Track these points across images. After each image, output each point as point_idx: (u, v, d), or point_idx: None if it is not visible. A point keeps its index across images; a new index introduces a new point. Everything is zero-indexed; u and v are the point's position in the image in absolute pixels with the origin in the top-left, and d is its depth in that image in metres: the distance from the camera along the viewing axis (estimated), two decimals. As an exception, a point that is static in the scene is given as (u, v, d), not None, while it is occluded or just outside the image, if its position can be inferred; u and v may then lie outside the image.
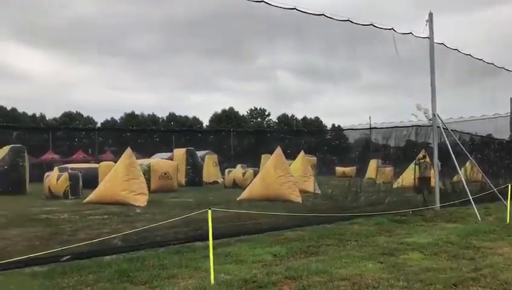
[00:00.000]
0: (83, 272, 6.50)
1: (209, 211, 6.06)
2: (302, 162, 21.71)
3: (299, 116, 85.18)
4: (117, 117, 79.16)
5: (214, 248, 7.90)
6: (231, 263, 6.98)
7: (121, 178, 16.38)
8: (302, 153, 22.35)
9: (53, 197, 19.48)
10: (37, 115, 73.77)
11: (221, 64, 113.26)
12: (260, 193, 16.93)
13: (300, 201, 16.44)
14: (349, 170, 37.54)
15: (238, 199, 17.11)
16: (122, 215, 13.01)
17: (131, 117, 78.14)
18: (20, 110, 72.91)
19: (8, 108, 71.53)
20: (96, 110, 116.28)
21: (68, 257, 7.44)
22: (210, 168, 32.99)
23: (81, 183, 19.83)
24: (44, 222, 11.77)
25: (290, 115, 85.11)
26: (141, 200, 16.00)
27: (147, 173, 22.50)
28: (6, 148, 23.52)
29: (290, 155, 24.08)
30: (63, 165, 23.99)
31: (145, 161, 23.90)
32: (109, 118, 78.31)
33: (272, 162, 17.60)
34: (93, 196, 16.84)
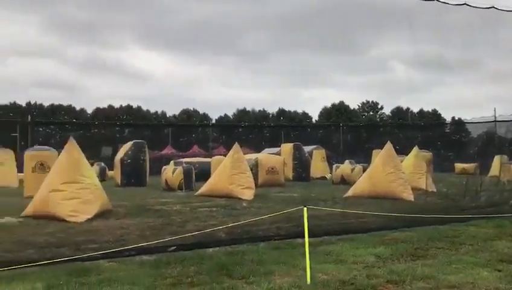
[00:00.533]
0: (185, 263, 6.74)
1: (304, 209, 5.91)
2: (416, 158, 20.52)
3: (415, 109, 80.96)
4: (230, 113, 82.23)
5: (314, 246, 7.84)
6: (330, 263, 6.76)
7: (229, 172, 16.88)
8: (416, 148, 21.15)
9: (169, 189, 20.77)
10: (158, 112, 79.47)
11: (331, 58, 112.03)
12: (368, 190, 16.32)
13: (412, 199, 15.55)
14: (470, 166, 34.78)
15: (344, 195, 16.69)
16: (228, 208, 13.38)
17: (243, 113, 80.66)
18: (144, 108, 78.90)
19: (134, 106, 78.06)
20: (211, 107, 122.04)
21: (174, 247, 7.79)
22: (318, 163, 32.76)
23: (194, 176, 20.84)
24: (158, 213, 12.53)
25: (405, 108, 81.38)
26: (248, 194, 16.34)
27: (255, 167, 22.97)
28: (129, 144, 25.61)
29: (403, 150, 22.93)
30: (178, 160, 25.44)
31: (252, 156, 24.42)
32: (223, 115, 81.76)
33: (381, 157, 16.87)
34: (203, 188, 17.61)
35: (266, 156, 25.17)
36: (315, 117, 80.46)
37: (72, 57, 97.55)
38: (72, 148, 12.14)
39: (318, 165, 32.75)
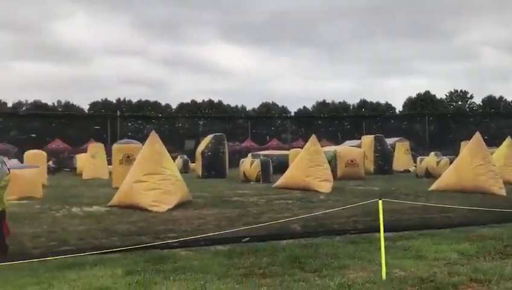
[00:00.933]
0: (258, 254, 6.73)
1: (380, 202, 5.63)
2: (508, 149, 18.99)
3: (510, 98, 75.12)
4: (309, 106, 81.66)
5: (392, 241, 7.50)
6: (409, 258, 6.41)
7: (306, 164, 16.71)
8: (508, 138, 19.57)
9: (247, 181, 21.05)
10: (238, 106, 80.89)
11: (415, 46, 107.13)
12: (454, 184, 15.36)
13: (504, 194, 14.41)
14: None
15: (429, 189, 15.87)
16: (305, 201, 13.24)
17: (322, 105, 79.75)
18: (225, 102, 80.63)
19: (216, 101, 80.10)
20: (290, 100, 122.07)
21: (248, 238, 7.84)
22: (401, 155, 31.50)
23: (271, 169, 20.92)
24: (235, 204, 12.71)
25: (497, 97, 75.84)
26: (325, 187, 16.07)
27: (333, 160, 22.57)
28: (209, 137, 26.28)
29: (494, 141, 21.40)
30: (256, 152, 25.68)
31: (331, 148, 24.01)
32: (302, 107, 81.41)
33: (469, 149, 15.79)
34: (280, 181, 17.60)
35: (345, 149, 24.63)
36: (399, 108, 77.54)
37: (157, 54, 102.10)
38: (154, 141, 12.65)
39: (401, 158, 31.48)
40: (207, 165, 25.25)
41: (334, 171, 22.50)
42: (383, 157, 27.73)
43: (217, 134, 26.99)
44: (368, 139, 28.56)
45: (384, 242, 6.66)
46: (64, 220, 10.28)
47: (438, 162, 22.93)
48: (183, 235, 8.23)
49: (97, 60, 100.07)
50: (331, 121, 76.56)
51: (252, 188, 17.66)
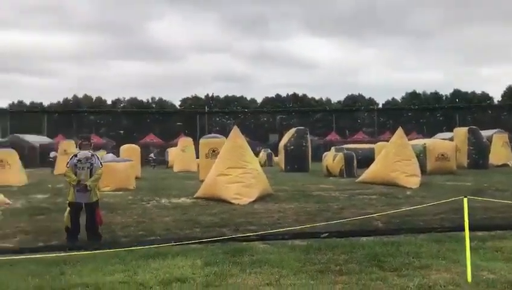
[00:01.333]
0: (336, 250, 6.62)
1: (465, 200, 5.28)
2: None
3: None
4: (398, 97, 78.52)
5: (482, 241, 7.02)
6: (500, 261, 5.96)
7: (392, 159, 16.12)
8: None
9: (330, 175, 20.78)
10: (323, 99, 79.96)
11: (510, 31, 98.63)
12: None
13: None
14: None
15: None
16: (390, 197, 12.80)
17: (412, 96, 76.31)
18: (309, 95, 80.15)
19: (300, 94, 79.86)
20: (377, 91, 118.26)
21: (327, 234, 7.74)
22: (498, 149, 29.27)
23: (355, 163, 20.45)
24: (316, 198, 12.62)
25: None
26: (413, 182, 15.40)
27: (422, 153, 21.55)
28: (292, 131, 26.29)
29: None
30: (340, 146, 25.23)
31: (420, 141, 22.93)
32: (390, 98, 78.49)
33: None
34: (365, 175, 17.16)
35: (436, 142, 23.37)
36: (497, 98, 72.00)
37: (244, 50, 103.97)
38: (236, 135, 12.92)
39: (499, 151, 29.22)
40: (290, 158, 25.31)
41: (423, 165, 21.54)
42: (478, 151, 25.94)
43: (299, 128, 26.94)
44: (461, 132, 26.88)
45: (473, 242, 6.31)
46: (153, 211, 10.87)
47: (541, 156, 21.00)
48: (263, 229, 8.35)
49: (188, 57, 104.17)
50: (422, 112, 73.23)
51: (335, 183, 17.40)
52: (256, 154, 37.63)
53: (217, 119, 75.07)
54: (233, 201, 11.67)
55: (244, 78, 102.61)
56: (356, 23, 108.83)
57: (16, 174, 18.82)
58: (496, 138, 30.44)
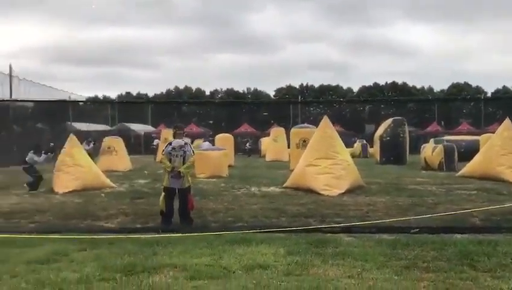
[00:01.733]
0: (425, 246, 6.33)
1: None
2: None
3: None
4: (510, 85, 72.23)
5: None
6: None
7: (497, 152, 14.95)
8: None
9: (428, 168, 19.77)
10: (425, 88, 75.95)
11: None
12: None
13: None
14: None
15: None
16: (492, 193, 11.89)
17: (526, 84, 69.80)
18: (410, 84, 76.65)
19: (400, 82, 76.62)
20: (486, 79, 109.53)
21: (417, 229, 7.42)
22: None
23: (456, 156, 19.23)
24: (410, 192, 12.11)
25: None
26: (521, 178, 14.16)
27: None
28: (389, 121, 25.35)
29: None
30: (440, 137, 23.84)
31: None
32: (500, 87, 72.44)
33: None
34: (466, 169, 16.11)
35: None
36: None
37: (341, 38, 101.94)
38: (326, 126, 12.80)
39: None
40: (385, 150, 24.45)
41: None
42: None
43: (396, 118, 25.87)
44: None
45: None
46: (242, 199, 11.19)
47: None
48: (350, 221, 8.25)
49: (285, 48, 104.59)
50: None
51: (433, 176, 16.52)
52: (351, 145, 37.17)
53: (311, 109, 74.80)
54: (322, 192, 11.61)
55: (341, 67, 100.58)
56: (463, 6, 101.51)
57: (122, 160, 20.35)
58: None
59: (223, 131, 29.85)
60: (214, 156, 16.77)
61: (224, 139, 24.02)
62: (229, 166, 22.47)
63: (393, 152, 24.17)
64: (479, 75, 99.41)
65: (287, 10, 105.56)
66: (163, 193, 8.08)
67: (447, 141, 25.33)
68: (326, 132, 12.70)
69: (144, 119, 52.15)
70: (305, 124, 22.03)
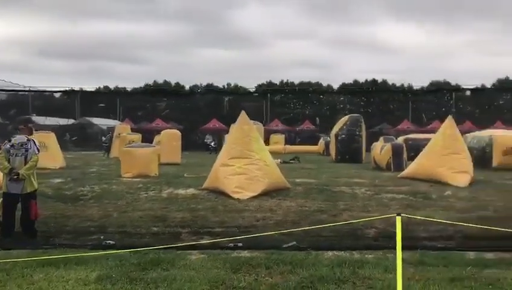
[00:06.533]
0: (275, 268, 5.24)
1: (398, 218, 3.70)
2: None
3: None
4: (488, 84, 71.94)
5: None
6: None
7: (439, 152, 13.96)
8: None
9: (378, 168, 18.79)
10: (405, 86, 75.30)
11: None
12: None
13: None
14: None
15: None
16: (419, 197, 10.82)
17: (505, 83, 69.49)
18: (390, 82, 76.06)
19: (379, 80, 75.96)
20: (465, 77, 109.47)
21: (290, 244, 6.33)
22: None
23: (405, 155, 18.21)
24: (330, 196, 10.98)
25: None
26: (462, 180, 13.17)
27: (488, 147, 18.80)
28: (345, 118, 24.34)
29: None
30: (390, 136, 22.87)
31: (486, 133, 20.04)
32: (479, 85, 72.08)
33: None
34: (408, 170, 15.11)
35: (505, 133, 20.25)
36: None
37: (325, 36, 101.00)
38: (243, 122, 11.66)
39: None
40: (341, 148, 23.45)
41: (488, 159, 18.86)
42: None
43: (352, 115, 24.86)
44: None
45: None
46: (139, 203, 10.05)
47: None
48: (228, 232, 7.15)
49: (268, 44, 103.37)
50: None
51: (374, 177, 15.45)
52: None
53: (291, 106, 73.77)
54: (233, 195, 10.49)
55: (325, 64, 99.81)
56: (445, 6, 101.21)
57: (53, 156, 18.88)
58: None
59: (194, 126, 28.35)
60: (140, 154, 15.54)
61: (171, 136, 22.74)
62: (175, 164, 21.38)
63: (349, 150, 23.17)
64: (459, 74, 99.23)
65: (270, 7, 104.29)
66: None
67: (412, 139, 24.39)
68: (243, 129, 11.55)
69: (113, 113, 50.72)
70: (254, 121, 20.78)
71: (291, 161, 22.73)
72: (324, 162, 23.58)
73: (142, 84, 72.48)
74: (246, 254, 5.96)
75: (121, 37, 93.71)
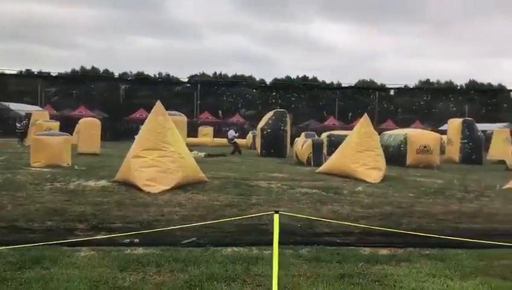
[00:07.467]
0: (149, 267, 5.03)
1: (276, 216, 3.62)
2: None
3: None
4: (411, 84, 75.73)
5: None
6: None
7: (354, 148, 14.34)
8: None
9: (299, 163, 19.08)
10: (334, 83, 77.53)
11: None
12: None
13: None
14: None
15: (505, 187, 12.76)
16: (331, 193, 11.01)
17: (425, 85, 73.46)
18: (320, 79, 77.97)
19: (310, 77, 77.66)
20: (391, 78, 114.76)
21: (190, 240, 6.14)
22: (498, 144, 27.09)
23: (325, 151, 18.65)
24: (244, 190, 10.87)
25: None
26: (374, 176, 13.62)
27: (403, 145, 19.69)
28: (271, 113, 24.52)
29: None
30: (311, 132, 23.40)
31: (401, 131, 21.00)
32: (402, 86, 75.68)
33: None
34: (324, 166, 15.45)
35: (418, 132, 21.39)
36: (515, 91, 68.64)
37: (261, 31, 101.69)
38: (158, 112, 11.29)
39: (498, 147, 27.03)
40: (266, 142, 23.60)
41: (403, 157, 19.75)
42: (472, 145, 23.81)
43: (278, 110, 25.11)
44: (455, 123, 24.74)
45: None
46: (38, 195, 9.38)
47: (534, 155, 18.90)
48: (124, 228, 6.84)
49: (204, 36, 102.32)
50: (434, 101, 70.52)
51: (293, 172, 15.66)
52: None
53: (224, 98, 73.60)
54: (144, 188, 10.12)
55: (260, 59, 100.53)
56: (377, 10, 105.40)
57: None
58: (497, 132, 28.27)
59: (122, 116, 27.20)
60: (51, 142, 14.67)
61: (89, 124, 21.73)
62: (93, 154, 20.49)
63: (273, 145, 23.37)
64: (385, 74, 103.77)
65: None
66: None
67: (335, 135, 25.06)
68: (157, 119, 11.17)
69: (33, 99, 47.88)
70: (171, 111, 20.34)
71: (217, 155, 22.51)
72: (250, 156, 23.61)
73: (68, 70, 69.18)
74: (140, 251, 5.68)
75: (46, 18, 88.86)
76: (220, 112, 54.87)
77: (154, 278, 4.71)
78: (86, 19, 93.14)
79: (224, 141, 36.10)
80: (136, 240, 6.03)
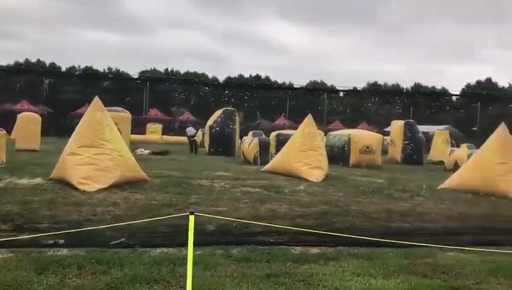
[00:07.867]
0: (70, 270, 4.85)
1: (191, 217, 3.59)
2: None
3: None
4: (360, 86, 77.70)
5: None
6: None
7: (298, 148, 14.51)
8: None
9: (246, 162, 19.12)
10: (286, 83, 78.26)
11: (479, 32, 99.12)
12: (470, 183, 12.67)
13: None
14: None
15: (439, 187, 13.28)
16: (273, 191, 11.07)
17: (373, 87, 75.54)
18: (272, 78, 78.45)
19: (263, 76, 78.00)
20: (341, 79, 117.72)
21: (119, 241, 5.97)
22: (438, 145, 28.29)
23: (273, 150, 18.77)
24: (186, 188, 10.76)
25: None
26: (316, 175, 13.83)
27: (347, 145, 20.12)
28: (219, 111, 24.43)
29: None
30: (258, 131, 23.51)
31: (345, 132, 21.48)
32: (351, 88, 77.49)
33: (491, 143, 12.97)
34: (269, 165, 15.54)
35: (361, 133, 21.96)
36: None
37: (215, 28, 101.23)
38: (96, 108, 10.94)
39: (438, 148, 28.27)
40: (214, 141, 23.51)
41: (346, 157, 20.19)
42: (413, 146, 24.73)
43: (227, 108, 25.07)
44: (397, 125, 25.60)
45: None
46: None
47: (469, 155, 19.78)
48: (59, 227, 6.56)
49: (156, 32, 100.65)
50: (381, 103, 72.72)
51: (238, 170, 15.66)
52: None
53: (176, 95, 72.63)
54: (79, 186, 9.77)
55: (213, 57, 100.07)
56: (328, 12, 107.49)
57: None
58: (437, 134, 29.51)
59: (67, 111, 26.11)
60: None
61: (28, 119, 20.82)
62: (32, 151, 19.67)
63: (221, 143, 23.30)
64: (336, 76, 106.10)
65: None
66: None
67: (282, 135, 25.22)
68: (95, 115, 10.83)
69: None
70: (115, 108, 19.87)
71: (161, 153, 22.17)
72: (197, 154, 23.45)
73: (11, 62, 66.04)
74: (64, 252, 5.46)
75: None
76: (173, 108, 54.14)
77: (73, 281, 4.54)
78: (33, 9, 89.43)
79: (173, 138, 35.67)
80: (62, 241, 5.78)
